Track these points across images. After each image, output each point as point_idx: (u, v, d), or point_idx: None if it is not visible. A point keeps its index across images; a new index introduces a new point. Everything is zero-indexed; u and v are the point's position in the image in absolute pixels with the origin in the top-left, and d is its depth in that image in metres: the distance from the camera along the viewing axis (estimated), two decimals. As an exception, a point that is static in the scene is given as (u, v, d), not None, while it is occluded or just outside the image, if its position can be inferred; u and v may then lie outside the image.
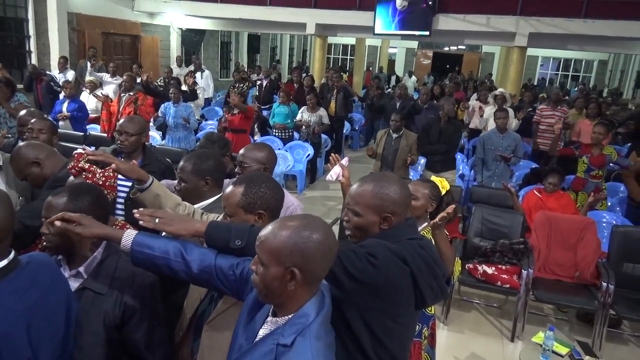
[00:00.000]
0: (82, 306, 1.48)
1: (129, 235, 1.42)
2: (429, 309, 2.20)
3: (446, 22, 10.03)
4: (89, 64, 8.67)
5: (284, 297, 1.19)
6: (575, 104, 7.83)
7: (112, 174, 1.95)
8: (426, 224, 2.35)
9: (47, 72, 7.80)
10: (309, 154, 6.76)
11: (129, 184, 2.39)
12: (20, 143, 2.20)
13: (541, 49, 16.01)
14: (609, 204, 5.09)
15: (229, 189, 1.63)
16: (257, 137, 8.03)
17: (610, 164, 4.89)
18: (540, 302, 3.79)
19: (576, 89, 16.67)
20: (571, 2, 9.80)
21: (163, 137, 6.74)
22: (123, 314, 1.53)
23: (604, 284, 3.45)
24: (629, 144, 6.64)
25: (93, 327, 1.50)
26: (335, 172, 2.43)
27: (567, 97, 11.89)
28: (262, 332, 1.24)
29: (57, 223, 1.39)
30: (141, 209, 1.48)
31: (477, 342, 3.59)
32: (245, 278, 1.36)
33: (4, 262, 1.18)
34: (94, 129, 6.34)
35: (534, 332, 3.61)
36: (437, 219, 2.13)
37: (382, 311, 1.41)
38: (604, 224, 4.45)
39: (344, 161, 2.44)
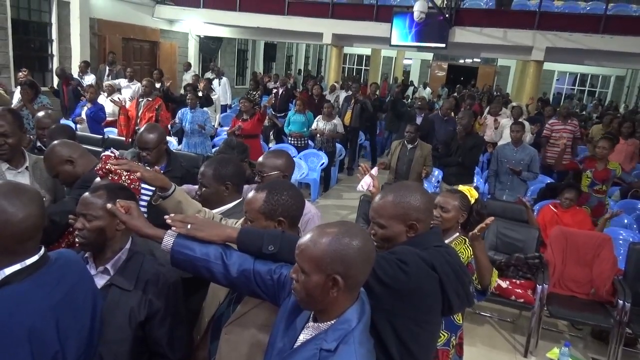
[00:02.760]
0: (109, 302, 1.52)
1: (170, 236, 1.45)
2: (458, 318, 2.18)
3: (462, 34, 10.07)
4: (107, 69, 8.83)
5: (325, 303, 1.21)
6: (603, 121, 7.76)
7: (137, 177, 2.00)
8: (457, 234, 2.34)
9: (75, 77, 7.94)
10: (323, 163, 6.80)
11: (152, 187, 2.43)
12: (55, 142, 2.24)
13: (557, 64, 15.95)
14: (625, 220, 5.03)
15: (251, 194, 1.65)
16: (272, 145, 8.10)
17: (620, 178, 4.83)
18: (554, 318, 3.75)
19: (592, 104, 16.54)
20: (589, 18, 9.81)
21: (179, 142, 6.83)
22: (148, 311, 1.57)
23: (620, 302, 3.40)
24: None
25: (119, 322, 1.54)
26: (365, 182, 2.45)
27: (583, 112, 11.82)
28: (302, 337, 1.26)
29: (109, 205, 1.46)
30: (172, 215, 1.50)
31: (490, 356, 3.56)
32: (283, 283, 1.38)
33: (35, 257, 1.21)
34: (111, 132, 6.44)
35: (547, 348, 3.59)
36: (476, 230, 2.14)
37: (410, 317, 1.42)
38: (621, 241, 4.40)
39: (374, 171, 2.45)
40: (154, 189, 2.45)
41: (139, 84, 7.89)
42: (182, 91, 8.43)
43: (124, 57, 11.24)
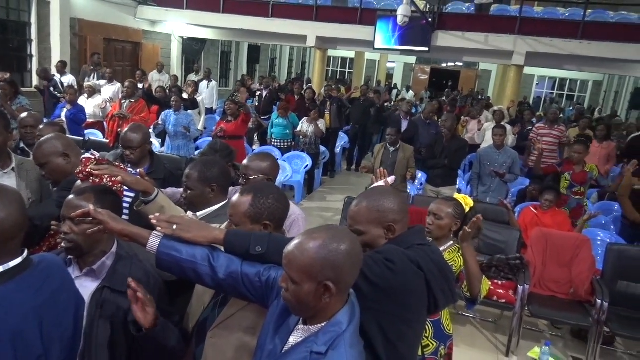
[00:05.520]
0: (103, 305, 1.51)
1: (156, 237, 1.42)
2: (448, 327, 2.18)
3: (445, 38, 10.19)
4: (92, 70, 8.69)
5: (317, 309, 1.20)
6: (580, 124, 7.94)
7: (118, 181, 1.97)
8: (451, 242, 2.35)
9: (54, 77, 7.79)
10: (307, 165, 6.81)
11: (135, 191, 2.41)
12: (53, 134, 2.20)
13: (537, 68, 16.26)
14: (603, 222, 5.15)
15: (236, 197, 1.63)
16: (256, 147, 8.08)
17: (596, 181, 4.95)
18: (535, 318, 3.82)
19: (571, 108, 16.87)
20: (568, 23, 10.01)
21: (162, 145, 6.77)
22: None
23: (599, 301, 3.48)
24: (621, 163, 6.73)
25: (115, 324, 1.53)
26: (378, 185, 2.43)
27: (561, 116, 12.08)
28: (292, 340, 1.25)
29: (91, 207, 1.42)
30: (158, 215, 1.47)
31: (473, 356, 3.60)
32: (271, 285, 1.38)
33: (18, 260, 1.20)
34: (93, 134, 6.36)
35: (528, 348, 3.66)
36: (467, 227, 2.13)
37: (397, 316, 1.43)
38: (599, 242, 4.50)
39: (390, 179, 2.43)
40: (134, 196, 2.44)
41: (119, 85, 7.82)
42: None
43: (105, 57, 11.10)
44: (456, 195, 2.50)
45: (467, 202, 2.42)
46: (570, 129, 7.73)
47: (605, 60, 9.68)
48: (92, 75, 8.57)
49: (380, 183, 2.43)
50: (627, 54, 9.20)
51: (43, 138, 2.18)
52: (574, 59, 9.97)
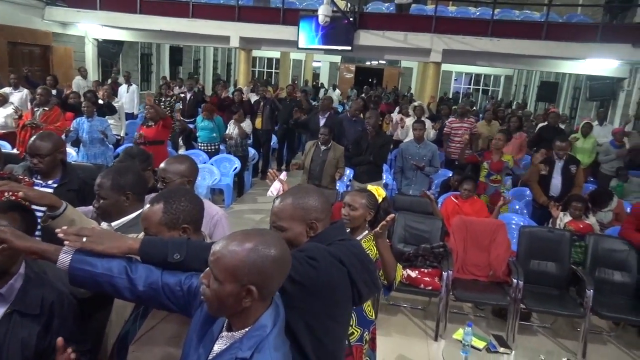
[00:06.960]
0: (10, 330, 1.41)
1: (67, 253, 1.34)
2: (370, 314, 2.25)
3: (366, 37, 10.44)
4: None
5: (237, 311, 1.19)
6: (485, 116, 8.44)
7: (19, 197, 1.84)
8: (366, 232, 2.41)
9: None
10: (236, 167, 6.72)
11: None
12: None
13: (455, 65, 17.13)
14: (517, 206, 5.54)
15: (147, 208, 1.59)
16: (182, 151, 7.85)
17: (511, 170, 5.33)
18: (460, 302, 4.03)
19: (487, 102, 17.93)
20: (479, 22, 10.62)
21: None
22: (57, 333, 1.48)
23: (515, 281, 3.75)
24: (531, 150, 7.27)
25: (26, 348, 1.44)
26: (275, 187, 2.45)
27: (474, 108, 12.93)
28: (217, 348, 1.23)
29: None
30: (65, 228, 1.38)
31: (404, 344, 3.73)
32: (194, 294, 1.34)
33: None
34: (2, 146, 5.87)
35: (455, 330, 3.83)
36: (378, 228, 2.22)
37: (323, 312, 1.45)
38: (513, 226, 4.82)
39: (282, 176, 2.46)
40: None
41: (26, 91, 7.28)
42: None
43: (10, 62, 10.28)
44: (369, 187, 2.58)
45: (379, 193, 2.53)
46: (479, 122, 8.23)
47: (513, 56, 10.36)
48: None
49: (276, 184, 2.48)
50: (531, 50, 9.91)
51: None
52: (486, 56, 10.59)
